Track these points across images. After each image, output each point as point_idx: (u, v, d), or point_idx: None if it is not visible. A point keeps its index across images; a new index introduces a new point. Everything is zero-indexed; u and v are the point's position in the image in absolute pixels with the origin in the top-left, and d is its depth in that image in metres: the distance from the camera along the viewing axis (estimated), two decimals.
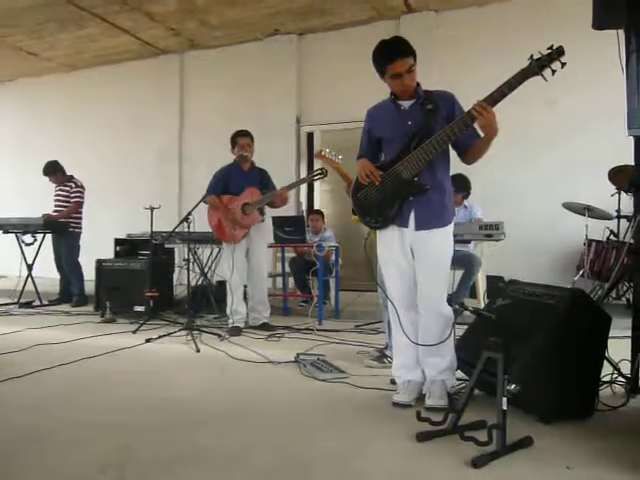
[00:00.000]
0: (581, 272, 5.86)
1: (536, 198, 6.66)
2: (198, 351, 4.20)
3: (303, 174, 7.79)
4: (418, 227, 2.82)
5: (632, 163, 4.77)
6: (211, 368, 3.75)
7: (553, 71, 2.41)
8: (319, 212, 6.84)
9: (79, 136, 9.43)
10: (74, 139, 9.40)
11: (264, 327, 5.08)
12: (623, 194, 5.63)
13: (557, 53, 2.41)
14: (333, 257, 6.08)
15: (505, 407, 2.24)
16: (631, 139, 3.00)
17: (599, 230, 5.88)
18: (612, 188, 5.67)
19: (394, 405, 2.86)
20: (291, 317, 5.97)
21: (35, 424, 2.59)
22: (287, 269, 6.45)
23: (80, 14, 7.34)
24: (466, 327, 3.24)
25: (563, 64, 2.40)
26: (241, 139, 5.04)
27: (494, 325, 2.73)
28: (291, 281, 6.56)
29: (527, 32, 6.65)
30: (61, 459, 2.19)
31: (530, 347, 2.60)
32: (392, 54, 2.79)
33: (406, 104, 2.89)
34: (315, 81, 7.95)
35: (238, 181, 5.00)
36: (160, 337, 4.67)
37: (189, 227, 4.70)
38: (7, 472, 2.09)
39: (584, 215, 5.80)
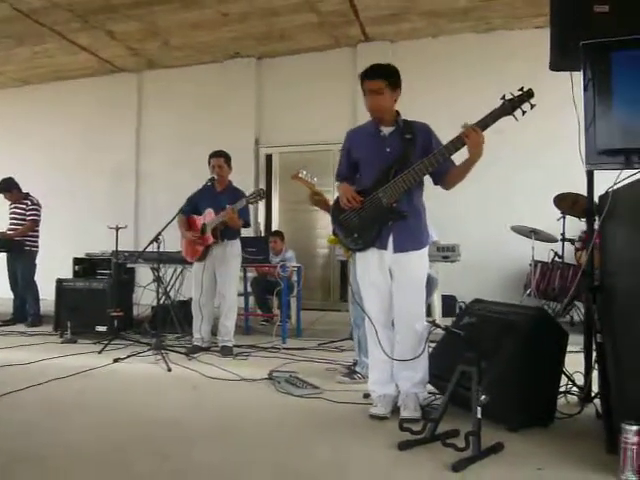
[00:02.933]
0: (528, 291, 6.22)
1: (484, 221, 7.02)
2: (169, 370, 4.26)
3: None
4: (396, 250, 3.03)
5: (575, 190, 5.18)
6: (186, 387, 3.82)
7: (523, 112, 2.67)
8: (278, 233, 6.98)
9: (30, 152, 9.25)
10: (25, 156, 9.20)
11: (222, 350, 5.00)
12: (568, 218, 6.02)
13: (527, 95, 2.67)
14: (294, 277, 6.22)
15: (480, 416, 2.45)
16: (573, 167, 3.31)
17: (544, 252, 6.25)
18: (557, 212, 6.06)
19: (371, 417, 3.03)
20: (253, 336, 6.06)
21: (24, 448, 2.59)
22: (249, 289, 6.55)
23: (40, 30, 7.31)
24: (435, 344, 3.45)
25: (532, 105, 2.66)
26: (212, 160, 5.10)
27: (463, 341, 2.94)
28: (252, 300, 6.66)
29: (477, 63, 7.10)
30: None
31: (497, 361, 2.83)
32: (366, 73, 3.06)
33: (386, 130, 3.10)
34: (273, 104, 8.16)
35: (206, 202, 5.06)
36: (128, 357, 4.69)
37: (159, 247, 4.76)
38: None
39: (530, 238, 6.17)
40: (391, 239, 3.03)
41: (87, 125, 9.00)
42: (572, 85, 3.08)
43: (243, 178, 7.95)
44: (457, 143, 2.82)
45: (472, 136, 2.75)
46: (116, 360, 4.59)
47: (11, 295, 7.15)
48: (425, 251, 3.10)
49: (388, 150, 3.05)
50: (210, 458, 2.46)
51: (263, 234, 7.99)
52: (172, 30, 7.29)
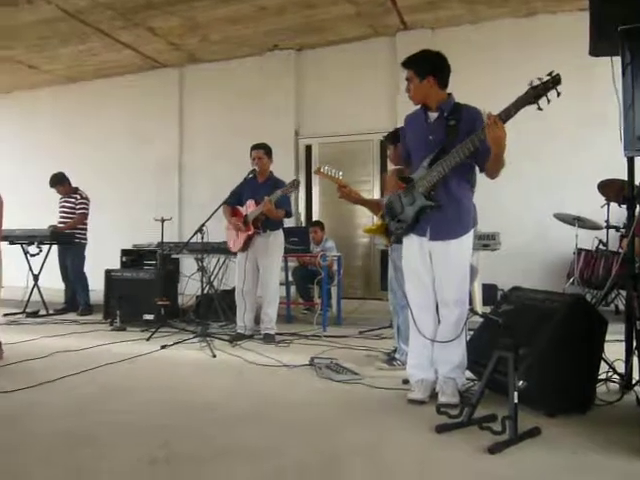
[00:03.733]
0: (571, 280, 6.14)
1: (526, 208, 6.95)
2: (214, 356, 4.40)
3: (302, 186, 8.01)
4: (432, 237, 3.07)
5: (621, 177, 5.07)
6: (230, 372, 3.95)
7: (549, 100, 2.59)
8: (319, 223, 7.08)
9: (78, 148, 9.57)
10: (73, 151, 9.53)
11: (265, 338, 5.14)
12: (613, 205, 5.91)
13: (553, 82, 2.56)
14: (335, 266, 6.30)
15: (516, 400, 2.49)
16: (619, 152, 3.25)
17: (588, 240, 6.17)
18: (601, 199, 5.95)
19: (409, 402, 3.10)
20: (294, 324, 6.18)
21: (80, 428, 2.75)
22: (290, 278, 6.66)
23: (83, 29, 7.54)
24: (473, 331, 3.49)
25: (559, 93, 2.56)
26: (253, 152, 5.21)
27: (501, 328, 2.97)
28: (293, 289, 6.77)
29: (519, 49, 7.01)
30: (110, 458, 2.36)
31: (535, 348, 2.85)
32: (401, 64, 3.16)
33: (432, 116, 3.11)
34: (313, 95, 8.23)
35: (248, 193, 5.18)
36: (175, 344, 4.87)
37: (202, 238, 4.90)
38: (66, 472, 2.26)
39: (574, 225, 6.09)
40: (429, 227, 3.08)
41: (131, 120, 9.25)
42: (612, 70, 3.05)
43: (283, 169, 8.05)
44: (482, 134, 2.79)
45: (490, 129, 2.70)
46: (163, 347, 4.77)
47: (62, 285, 7.46)
48: (465, 238, 3.08)
49: (431, 137, 3.07)
50: (254, 439, 2.57)
51: (303, 224, 8.08)
52: (211, 25, 7.42)
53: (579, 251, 6.09)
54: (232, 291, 6.24)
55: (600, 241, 6.18)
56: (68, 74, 9.46)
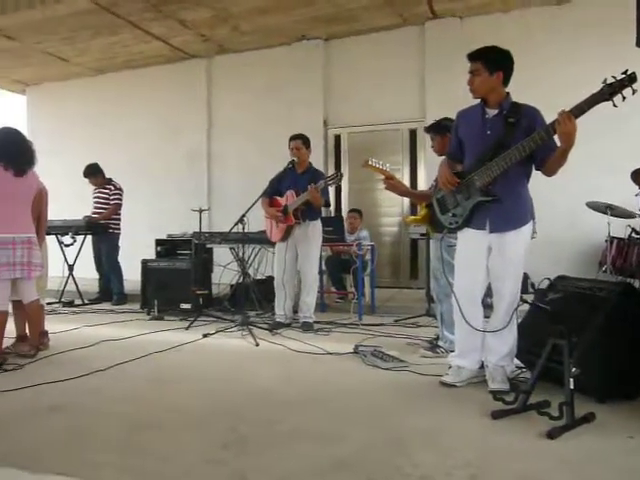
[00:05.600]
0: (603, 268, 6.15)
1: (559, 197, 6.93)
2: (257, 345, 4.50)
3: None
4: (492, 230, 3.12)
5: None
6: (277, 360, 4.04)
7: (624, 97, 2.61)
8: (358, 211, 7.10)
9: (106, 139, 9.65)
10: (101, 141, 9.63)
11: (303, 326, 5.23)
12: None
13: (629, 80, 2.59)
14: (368, 255, 6.35)
15: (572, 386, 2.55)
16: None
17: (621, 228, 6.16)
18: (635, 188, 5.95)
19: (441, 384, 3.22)
20: (328, 313, 6.27)
21: (140, 415, 2.84)
22: (323, 267, 6.72)
23: (115, 21, 7.60)
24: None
25: (634, 91, 2.59)
26: (291, 142, 5.30)
27: (550, 316, 3.03)
28: (325, 278, 6.84)
29: (548, 37, 6.97)
30: (180, 442, 2.44)
31: (586, 335, 2.91)
32: (468, 54, 3.15)
33: (491, 113, 3.15)
34: (341, 84, 8.23)
35: (288, 184, 5.25)
36: (216, 332, 4.97)
37: (243, 228, 4.98)
38: (134, 457, 2.35)
39: (606, 213, 6.08)
40: (488, 220, 3.12)
41: (160, 111, 9.32)
42: None
43: (313, 159, 8.04)
44: (551, 129, 2.83)
45: (564, 124, 2.75)
46: (205, 335, 4.87)
47: (96, 275, 7.60)
48: (524, 229, 3.13)
49: (489, 133, 3.11)
50: (318, 425, 2.65)
51: (333, 214, 8.14)
52: (241, 15, 7.44)
53: (611, 239, 6.09)
54: (266, 280, 6.35)
55: (633, 229, 6.17)
56: (98, 66, 9.53)
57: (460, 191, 3.20)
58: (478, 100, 3.22)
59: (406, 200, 7.92)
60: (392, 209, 8.10)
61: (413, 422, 2.67)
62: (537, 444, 2.37)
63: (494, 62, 3.09)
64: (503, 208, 3.08)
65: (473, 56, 3.12)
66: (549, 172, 3.11)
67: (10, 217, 3.97)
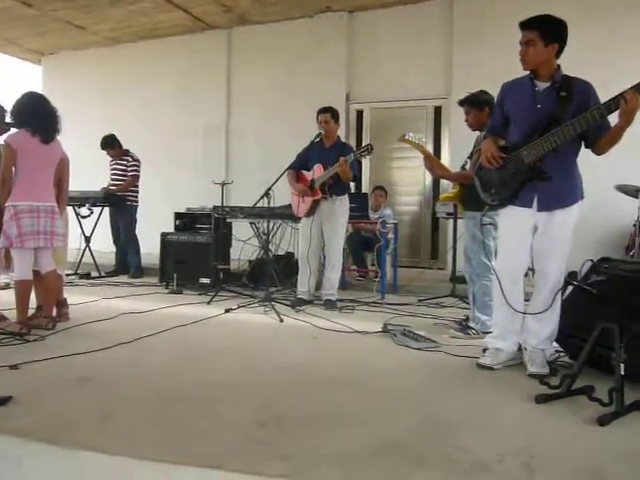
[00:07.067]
0: (631, 253, 6.01)
1: (589, 180, 6.76)
2: (282, 321, 4.41)
3: None
4: (540, 208, 2.99)
5: None
6: (304, 337, 3.96)
7: None
8: (383, 188, 7.00)
9: (123, 109, 9.47)
10: (118, 112, 9.44)
11: (326, 304, 5.13)
12: None
13: None
14: (391, 234, 6.23)
15: (622, 372, 2.45)
16: None
17: None
18: None
19: (477, 366, 3.12)
20: (350, 290, 6.17)
21: (173, 387, 2.77)
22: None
23: None
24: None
25: None
26: (320, 116, 5.14)
27: (597, 299, 2.93)
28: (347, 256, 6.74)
29: (580, 13, 6.74)
30: (216, 417, 2.34)
31: (636, 319, 2.79)
32: (521, 23, 2.97)
33: (542, 86, 2.99)
34: (365, 59, 8.03)
35: (315, 157, 5.11)
36: (239, 307, 4.89)
37: (269, 202, 4.87)
38: (170, 431, 2.26)
39: (636, 197, 5.92)
40: (536, 198, 2.99)
41: (179, 82, 9.15)
42: None
43: None
44: (611, 105, 2.69)
45: (632, 101, 2.60)
46: (227, 310, 4.79)
47: (113, 248, 7.53)
48: (573, 208, 3.01)
49: (539, 107, 2.96)
50: (357, 404, 2.56)
51: (352, 191, 8.00)
52: None
53: None
54: (285, 256, 6.26)
55: None
56: (115, 35, 9.35)
57: (506, 167, 3.05)
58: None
59: (428, 179, 7.78)
60: (414, 188, 7.96)
61: (455, 404, 2.57)
62: (587, 431, 2.26)
63: (551, 33, 2.91)
64: (552, 185, 2.94)
65: (528, 25, 2.93)
66: (600, 151, 2.98)
67: (35, 185, 3.89)
